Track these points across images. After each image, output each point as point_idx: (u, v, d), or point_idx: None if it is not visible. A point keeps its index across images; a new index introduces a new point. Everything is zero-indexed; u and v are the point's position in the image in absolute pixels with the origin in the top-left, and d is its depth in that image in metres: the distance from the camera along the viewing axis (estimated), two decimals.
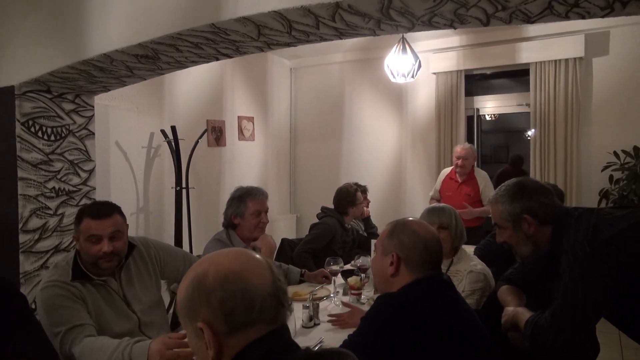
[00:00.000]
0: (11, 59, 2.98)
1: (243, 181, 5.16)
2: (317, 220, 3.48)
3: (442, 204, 2.35)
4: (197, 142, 4.16)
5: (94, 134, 3.44)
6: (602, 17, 1.84)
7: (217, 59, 2.83)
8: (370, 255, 2.73)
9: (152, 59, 2.72)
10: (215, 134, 4.76)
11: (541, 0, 1.71)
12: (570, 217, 1.54)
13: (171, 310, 2.52)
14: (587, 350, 1.76)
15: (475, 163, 4.52)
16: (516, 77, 5.15)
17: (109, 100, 3.72)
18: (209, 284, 0.89)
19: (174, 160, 4.00)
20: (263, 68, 5.51)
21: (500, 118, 6.59)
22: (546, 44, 4.59)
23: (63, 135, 3.28)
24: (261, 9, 2.03)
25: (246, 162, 5.24)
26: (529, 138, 5.35)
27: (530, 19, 1.94)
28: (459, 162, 4.14)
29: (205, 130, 4.39)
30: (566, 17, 1.87)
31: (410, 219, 1.61)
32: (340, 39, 2.49)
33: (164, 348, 1.41)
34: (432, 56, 5.07)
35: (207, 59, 2.79)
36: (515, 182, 1.67)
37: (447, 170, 4.50)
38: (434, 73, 5.09)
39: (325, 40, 2.51)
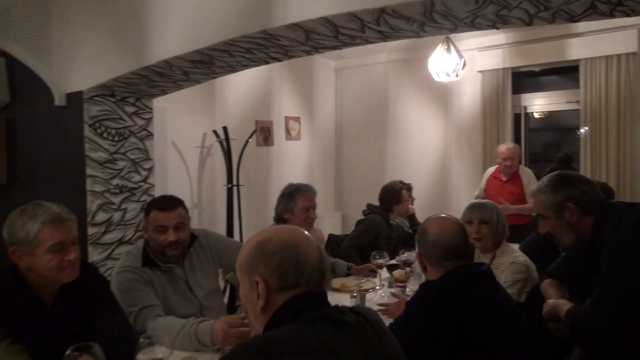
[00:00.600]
0: (80, 66, 3.24)
1: (290, 179, 5.32)
2: (362, 217, 3.59)
3: (483, 200, 2.41)
4: (247, 141, 4.36)
5: (152, 134, 3.67)
6: None
7: (267, 63, 2.98)
8: (415, 250, 2.81)
9: (207, 64, 2.91)
10: (264, 133, 4.95)
11: (584, 0, 1.74)
12: (613, 210, 1.58)
13: (226, 297, 2.69)
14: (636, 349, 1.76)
15: (522, 161, 4.49)
16: (565, 73, 5.05)
17: (166, 103, 3.96)
18: (271, 248, 1.06)
19: (225, 159, 4.20)
20: (309, 69, 5.65)
21: (549, 116, 6.44)
22: (597, 40, 4.48)
23: (125, 136, 3.52)
24: (310, 15, 2.15)
25: (293, 161, 5.40)
26: (580, 135, 5.23)
27: (573, 18, 1.96)
28: (507, 162, 4.13)
29: (255, 131, 4.59)
30: (611, 16, 1.89)
31: (435, 216, 1.71)
32: (385, 41, 2.58)
33: (227, 327, 1.56)
34: (477, 54, 5.05)
35: (258, 62, 2.95)
36: (558, 173, 1.74)
37: (491, 169, 4.49)
38: (480, 71, 5.07)
39: (370, 42, 2.60)
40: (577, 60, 4.61)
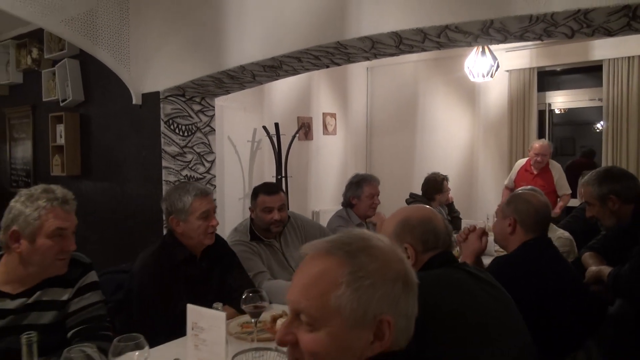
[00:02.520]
0: (157, 68, 3.62)
1: (327, 171, 5.71)
2: (398, 206, 3.96)
3: (529, 187, 2.76)
4: (294, 136, 4.73)
5: (214, 130, 4.05)
6: None
7: (328, 67, 3.32)
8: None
9: (276, 68, 3.26)
10: (305, 129, 5.31)
11: (622, 20, 2.08)
12: None
13: None
14: None
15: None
16: (589, 72, 5.35)
17: (223, 102, 4.34)
18: (413, 223, 1.46)
19: (274, 152, 4.58)
20: (343, 68, 5.97)
21: (567, 112, 6.74)
22: (620, 41, 4.75)
23: (192, 131, 3.91)
24: (381, 30, 2.50)
25: (329, 154, 5.77)
26: (597, 131, 5.58)
27: (610, 33, 2.30)
28: (538, 158, 4.47)
29: (301, 126, 4.96)
30: None
31: (524, 191, 2.09)
32: (438, 49, 2.93)
33: None
34: (504, 54, 5.35)
35: (320, 67, 3.30)
36: (605, 169, 2.13)
37: (522, 161, 4.83)
38: (507, 71, 5.38)
39: (425, 51, 2.95)
40: (601, 61, 4.92)
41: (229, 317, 1.84)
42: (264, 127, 4.61)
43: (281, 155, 4.57)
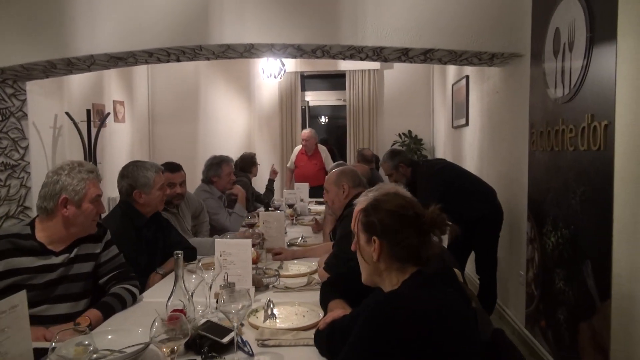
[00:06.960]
0: None
1: (119, 158, 5.81)
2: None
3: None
4: (101, 123, 4.78)
5: (27, 115, 3.90)
6: (421, 63, 3.58)
7: (169, 62, 3.71)
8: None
9: (121, 60, 3.49)
10: (99, 116, 5.32)
11: (397, 55, 3.32)
12: (418, 164, 3.30)
13: None
14: None
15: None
16: (337, 78, 6.99)
17: (27, 86, 4.14)
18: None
19: (81, 139, 4.57)
20: None
21: (316, 107, 8.41)
22: None
23: (7, 116, 3.71)
24: (241, 40, 3.16)
25: (120, 141, 5.84)
26: (322, 123, 7.41)
27: (387, 60, 3.54)
28: (308, 143, 5.75)
29: (108, 113, 5.00)
30: (419, 63, 3.56)
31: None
32: (299, 58, 3.73)
33: (242, 235, 2.56)
34: (278, 59, 6.51)
35: (163, 62, 3.67)
36: (390, 150, 3.41)
37: (299, 147, 6.05)
38: None
39: (258, 58, 3.73)
40: (345, 71, 6.56)
41: (171, 265, 2.30)
42: (67, 114, 4.53)
43: (91, 142, 4.60)
